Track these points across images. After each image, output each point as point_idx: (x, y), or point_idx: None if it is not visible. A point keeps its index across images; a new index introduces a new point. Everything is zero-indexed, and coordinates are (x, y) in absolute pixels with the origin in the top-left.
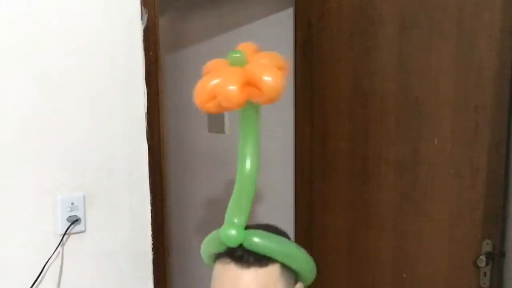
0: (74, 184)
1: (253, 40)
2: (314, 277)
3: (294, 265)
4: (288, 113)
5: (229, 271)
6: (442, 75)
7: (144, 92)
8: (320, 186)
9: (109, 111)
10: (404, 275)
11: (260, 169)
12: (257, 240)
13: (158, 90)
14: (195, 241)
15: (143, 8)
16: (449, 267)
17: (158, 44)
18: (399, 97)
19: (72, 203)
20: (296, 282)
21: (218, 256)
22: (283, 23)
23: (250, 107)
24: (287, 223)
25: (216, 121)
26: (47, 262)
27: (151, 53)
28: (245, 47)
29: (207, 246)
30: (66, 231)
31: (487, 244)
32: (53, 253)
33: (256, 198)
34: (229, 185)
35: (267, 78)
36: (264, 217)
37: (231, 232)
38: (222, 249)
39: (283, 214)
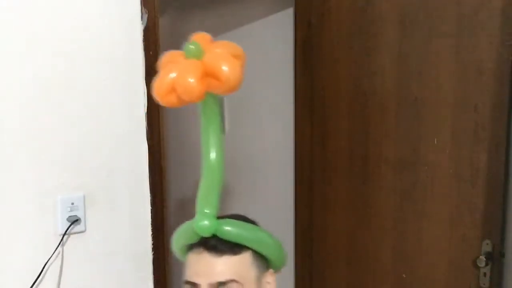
0: (74, 184)
1: (253, 40)
2: (285, 264)
3: (265, 252)
4: (288, 113)
5: (203, 260)
6: (442, 75)
7: (144, 92)
8: (320, 186)
9: (109, 111)
10: (404, 275)
11: (225, 159)
12: (229, 229)
13: None
14: None
15: (143, 8)
16: (449, 267)
17: (158, 44)
18: (399, 97)
19: (72, 203)
20: (267, 269)
21: (191, 247)
22: (283, 23)
23: (210, 98)
24: (287, 223)
25: None
26: (47, 262)
27: (151, 53)
28: (200, 38)
29: (179, 238)
30: (66, 231)
31: (487, 244)
32: (53, 253)
33: (256, 198)
34: (229, 185)
35: (225, 68)
36: (264, 217)
37: (204, 222)
38: (195, 239)
39: (283, 214)
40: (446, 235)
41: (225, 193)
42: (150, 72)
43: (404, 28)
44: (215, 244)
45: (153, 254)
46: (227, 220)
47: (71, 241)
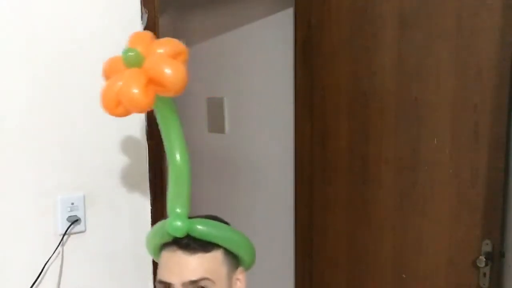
0: (74, 184)
1: (253, 40)
2: (254, 262)
3: (236, 250)
4: (288, 113)
5: (176, 258)
6: (441, 75)
7: None
8: (320, 186)
9: None
10: (404, 275)
11: (191, 159)
12: (201, 228)
13: None
14: None
15: (143, 8)
16: (449, 267)
17: None
18: (399, 97)
19: (72, 203)
20: (237, 266)
21: (164, 246)
22: (283, 23)
23: (161, 101)
24: (287, 223)
25: (216, 121)
26: (47, 262)
27: None
28: (139, 39)
29: (153, 238)
30: (66, 231)
31: (487, 244)
32: (53, 253)
33: (257, 198)
34: (229, 185)
35: (168, 72)
36: (264, 217)
37: (177, 223)
38: (168, 239)
39: (283, 214)
40: (446, 235)
41: (225, 193)
42: None
43: (404, 28)
44: (188, 243)
45: None
46: (199, 219)
47: (71, 241)
